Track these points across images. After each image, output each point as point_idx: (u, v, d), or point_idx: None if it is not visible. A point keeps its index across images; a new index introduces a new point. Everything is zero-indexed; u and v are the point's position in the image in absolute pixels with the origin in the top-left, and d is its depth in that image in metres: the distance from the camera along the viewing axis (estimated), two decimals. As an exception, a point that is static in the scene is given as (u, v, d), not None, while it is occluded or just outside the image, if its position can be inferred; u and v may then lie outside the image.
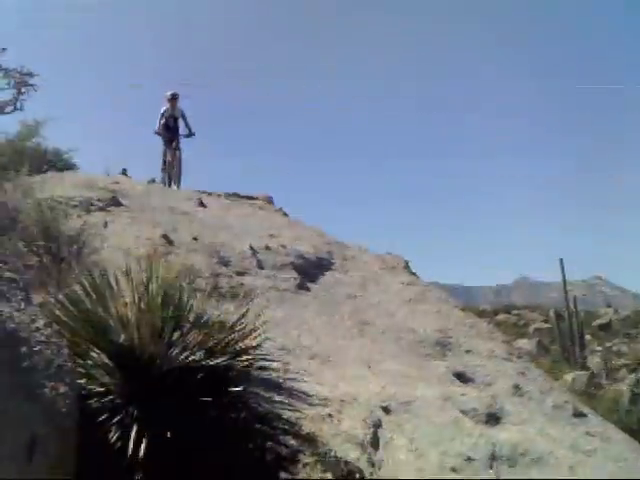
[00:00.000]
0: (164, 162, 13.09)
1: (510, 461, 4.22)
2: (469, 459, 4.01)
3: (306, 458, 3.13)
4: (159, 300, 3.27)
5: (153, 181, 12.28)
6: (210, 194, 11.76)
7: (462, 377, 5.68)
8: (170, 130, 13.06)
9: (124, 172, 12.43)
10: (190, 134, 13.15)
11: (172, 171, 12.82)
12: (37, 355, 2.26)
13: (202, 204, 10.12)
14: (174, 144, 12.91)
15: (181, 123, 13.20)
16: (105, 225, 6.84)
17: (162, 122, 12.97)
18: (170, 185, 12.67)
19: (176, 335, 3.21)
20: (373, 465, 3.46)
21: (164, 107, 13.00)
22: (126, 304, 3.25)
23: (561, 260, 23.43)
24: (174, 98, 13.07)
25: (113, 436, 2.67)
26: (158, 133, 13.03)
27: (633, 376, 23.17)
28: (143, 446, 2.61)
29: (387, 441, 3.85)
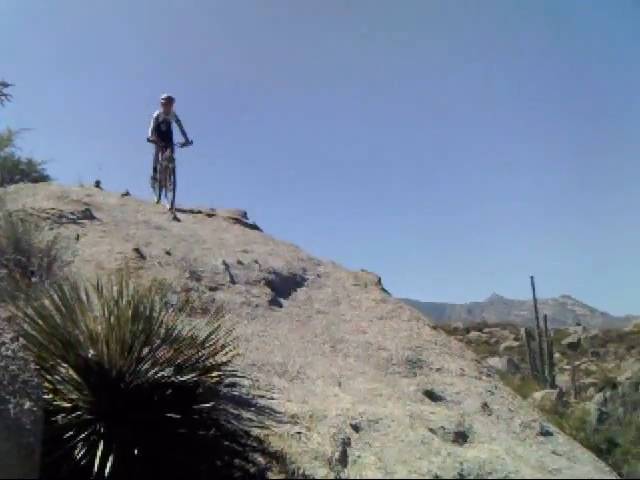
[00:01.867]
0: (154, 171, 12.35)
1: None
2: (437, 478, 4.03)
3: (274, 475, 3.13)
4: (129, 315, 3.26)
5: (127, 193, 11.85)
6: (184, 210, 11.57)
7: (432, 395, 5.71)
8: (164, 137, 12.20)
9: (97, 184, 12.29)
10: (187, 142, 12.27)
11: (166, 184, 11.85)
12: (1, 370, 2.24)
13: (176, 218, 10.11)
14: (167, 153, 11.95)
15: (175, 129, 12.39)
16: (77, 238, 6.80)
17: (154, 127, 12.08)
18: (160, 199, 11.99)
19: (146, 350, 3.20)
20: (341, 483, 3.47)
21: (157, 111, 12.17)
22: (96, 319, 3.24)
23: (532, 278, 23.73)
24: (169, 101, 12.24)
25: (79, 453, 2.65)
26: (152, 141, 12.13)
27: (601, 395, 23.50)
28: (109, 464, 2.59)
29: (355, 459, 3.86)
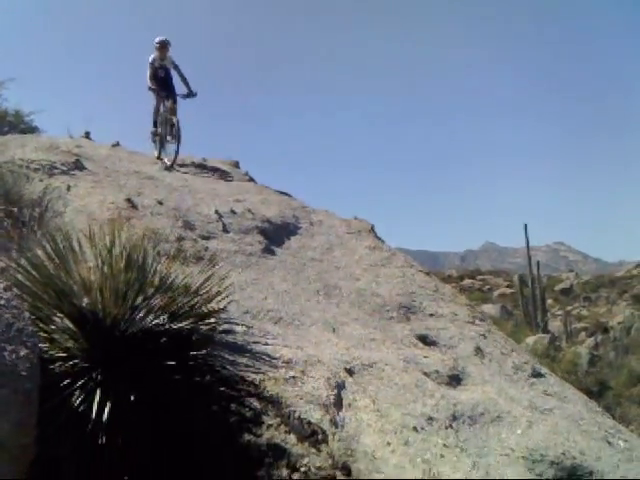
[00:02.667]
0: (155, 124, 11.32)
1: (470, 420, 4.33)
2: (430, 419, 4.10)
3: (270, 420, 3.18)
4: (122, 264, 3.26)
5: (117, 144, 11.68)
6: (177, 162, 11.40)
7: (425, 340, 5.78)
8: (163, 84, 11.16)
9: (87, 135, 12.15)
10: (190, 93, 11.22)
11: (168, 138, 10.87)
12: (-5, 318, 2.24)
13: (167, 168, 10.05)
14: (169, 104, 10.92)
15: (175, 77, 11.29)
16: (68, 189, 6.76)
17: (151, 74, 11.07)
18: (162, 155, 10.98)
19: (140, 299, 3.21)
20: (336, 425, 3.52)
21: (152, 55, 11.11)
22: (89, 268, 3.24)
23: (525, 225, 23.85)
24: (163, 46, 11.08)
25: (76, 400, 2.68)
26: (153, 89, 11.08)
27: (592, 339, 23.89)
28: (107, 410, 2.62)
29: (350, 402, 3.92)
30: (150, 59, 11.11)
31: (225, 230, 7.13)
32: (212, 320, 3.57)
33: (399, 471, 3.38)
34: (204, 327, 3.47)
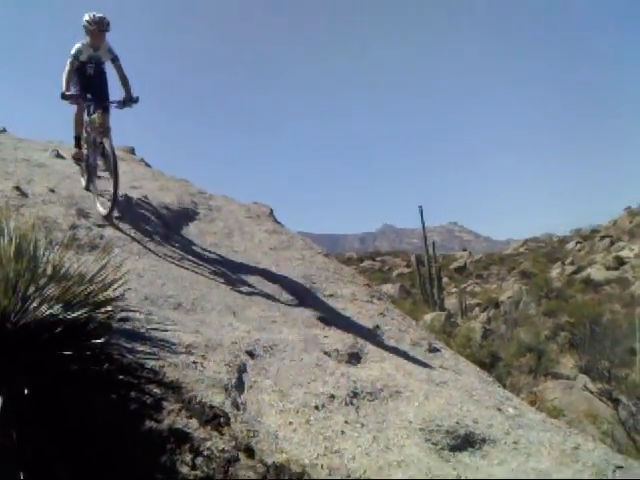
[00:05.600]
0: (77, 142, 7.69)
1: (370, 396, 4.47)
2: (332, 397, 4.21)
3: (171, 405, 3.17)
4: (11, 253, 3.16)
5: (4, 130, 11.10)
6: (70, 147, 10.90)
7: (325, 320, 5.90)
8: (91, 86, 7.37)
9: (-31, 122, 11.44)
10: (130, 100, 7.31)
11: (100, 166, 7.43)
12: None
13: (60, 155, 9.68)
14: (97, 117, 7.03)
15: (111, 75, 7.59)
16: (-50, 177, 6.42)
17: (72, 71, 7.17)
18: (90, 188, 7.48)
19: (32, 289, 3.12)
20: (238, 408, 3.56)
21: (80, 43, 7.20)
22: (-24, 259, 3.12)
23: (420, 207, 24.62)
24: (101, 27, 7.11)
25: (-35, 396, 2.58)
26: (71, 97, 7.04)
27: (485, 314, 25.06)
28: (-1, 405, 2.54)
29: (252, 384, 3.97)
30: (74, 49, 7.17)
31: (121, 217, 6.98)
32: (109, 308, 3.51)
33: (301, 449, 3.46)
34: (101, 315, 3.41)
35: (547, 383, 16.70)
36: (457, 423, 4.23)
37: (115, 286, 3.58)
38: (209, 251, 7.09)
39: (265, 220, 9.05)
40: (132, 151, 12.56)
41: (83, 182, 7.77)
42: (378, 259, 44.40)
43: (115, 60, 7.38)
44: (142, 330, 3.87)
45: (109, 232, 6.32)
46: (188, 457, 2.87)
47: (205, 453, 2.93)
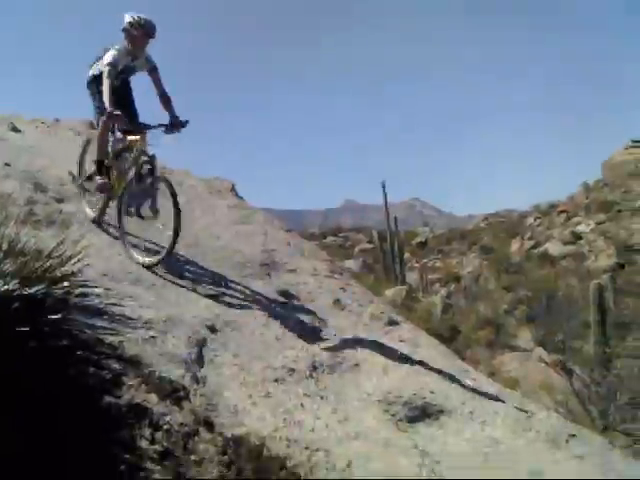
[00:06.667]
0: (100, 169, 5.95)
1: (330, 369, 4.56)
2: (292, 370, 4.27)
3: (130, 380, 3.18)
4: (-36, 229, 3.12)
5: None
6: (27, 120, 10.59)
7: (286, 294, 5.93)
8: (121, 101, 5.80)
9: None
10: (179, 123, 5.83)
11: (143, 211, 5.73)
12: None
13: (16, 129, 9.45)
14: (137, 141, 5.60)
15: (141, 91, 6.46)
16: None
17: (112, 83, 5.59)
18: (101, 218, 6.08)
19: (-14, 265, 3.09)
20: (197, 382, 3.59)
21: (114, 49, 5.70)
22: None
23: (383, 183, 24.70)
24: (148, 33, 5.75)
25: None
26: (119, 117, 5.48)
27: (445, 289, 25.42)
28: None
29: (212, 358, 4.00)
30: (110, 57, 5.67)
31: (80, 192, 6.87)
32: (66, 284, 3.48)
33: (261, 422, 3.51)
34: (58, 291, 3.38)
35: (505, 355, 17.09)
36: (414, 395, 4.34)
37: (73, 261, 3.55)
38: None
39: (226, 195, 9.00)
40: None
41: (89, 212, 6.19)
42: (341, 235, 44.54)
43: (154, 71, 6.01)
44: (101, 306, 3.84)
45: (68, 207, 6.20)
46: (147, 432, 2.89)
47: (164, 427, 2.96)
